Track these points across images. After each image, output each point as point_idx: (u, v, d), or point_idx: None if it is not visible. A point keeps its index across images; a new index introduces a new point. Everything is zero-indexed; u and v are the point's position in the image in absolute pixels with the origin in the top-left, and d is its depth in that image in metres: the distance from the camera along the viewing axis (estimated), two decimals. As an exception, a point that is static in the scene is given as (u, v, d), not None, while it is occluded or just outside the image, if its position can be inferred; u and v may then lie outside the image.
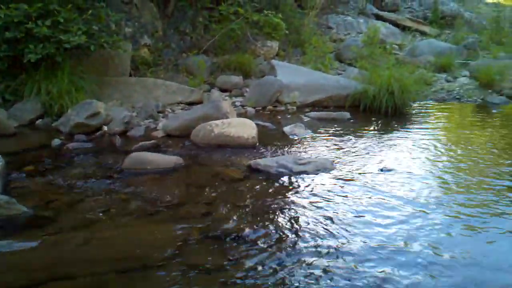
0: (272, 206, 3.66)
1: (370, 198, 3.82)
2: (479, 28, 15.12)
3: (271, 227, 3.30)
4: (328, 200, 3.76)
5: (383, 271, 2.72)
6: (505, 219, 3.45)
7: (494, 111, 7.58)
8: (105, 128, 5.74)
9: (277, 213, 3.54)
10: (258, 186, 4.08)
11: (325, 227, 3.29)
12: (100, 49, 6.81)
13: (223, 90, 8.11)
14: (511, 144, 5.50)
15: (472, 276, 2.69)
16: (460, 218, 3.46)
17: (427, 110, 7.51)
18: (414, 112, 7.33)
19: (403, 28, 14.06)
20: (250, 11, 9.29)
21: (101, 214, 3.50)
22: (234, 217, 3.44)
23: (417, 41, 12.74)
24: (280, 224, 3.35)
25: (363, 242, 3.07)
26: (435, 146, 5.33)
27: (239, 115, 6.51)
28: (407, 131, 6.09)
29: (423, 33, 14.01)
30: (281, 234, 3.20)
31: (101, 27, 6.85)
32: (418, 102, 7.83)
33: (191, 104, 7.30)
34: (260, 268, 2.76)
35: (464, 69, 10.42)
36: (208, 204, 3.68)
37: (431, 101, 8.21)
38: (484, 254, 2.94)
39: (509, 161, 4.77)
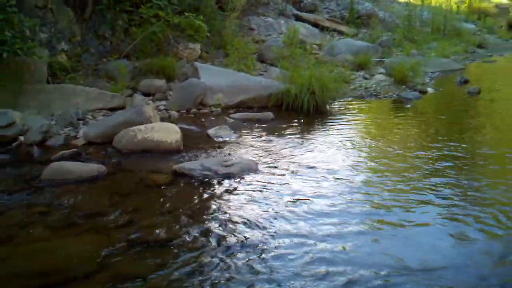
0: (198, 210, 3.69)
1: (295, 195, 3.94)
2: (392, 26, 15.92)
3: (197, 232, 3.32)
4: (253, 201, 3.84)
5: (306, 267, 2.84)
6: (421, 209, 3.70)
7: (408, 105, 8.01)
8: (22, 138, 5.50)
9: (203, 217, 3.58)
10: (183, 191, 4.10)
11: (251, 228, 3.37)
12: (14, 56, 6.52)
13: (146, 94, 8.00)
14: (422, 136, 5.87)
15: (381, 267, 2.87)
16: (381, 210, 3.67)
17: (346, 107, 7.81)
18: (334, 109, 7.60)
19: (322, 28, 14.46)
20: (171, 13, 9.21)
21: (20, 228, 3.37)
22: (160, 224, 3.43)
23: (335, 41, 13.17)
24: (206, 228, 3.39)
25: (288, 240, 3.18)
26: (355, 141, 5.59)
27: (163, 119, 6.45)
28: (328, 129, 6.32)
29: (340, 33, 14.47)
30: (207, 238, 3.24)
31: (14, 33, 6.55)
32: (338, 100, 8.11)
33: (113, 110, 7.14)
34: (187, 274, 2.78)
35: (380, 66, 10.94)
36: (133, 211, 3.65)
37: (350, 98, 8.53)
38: (397, 245, 3.14)
39: (420, 152, 5.09)
